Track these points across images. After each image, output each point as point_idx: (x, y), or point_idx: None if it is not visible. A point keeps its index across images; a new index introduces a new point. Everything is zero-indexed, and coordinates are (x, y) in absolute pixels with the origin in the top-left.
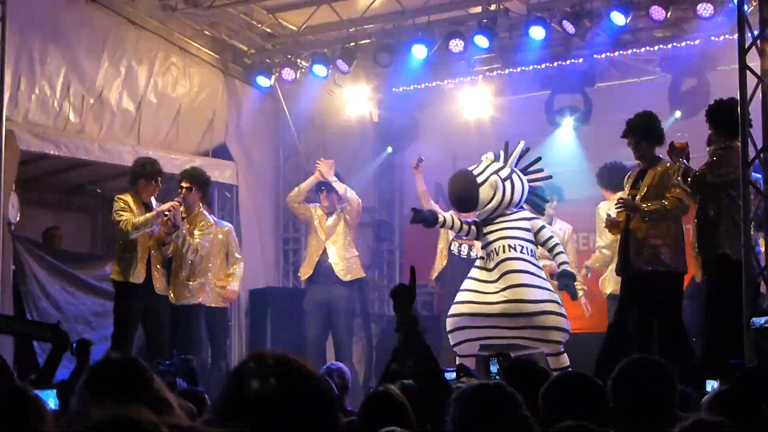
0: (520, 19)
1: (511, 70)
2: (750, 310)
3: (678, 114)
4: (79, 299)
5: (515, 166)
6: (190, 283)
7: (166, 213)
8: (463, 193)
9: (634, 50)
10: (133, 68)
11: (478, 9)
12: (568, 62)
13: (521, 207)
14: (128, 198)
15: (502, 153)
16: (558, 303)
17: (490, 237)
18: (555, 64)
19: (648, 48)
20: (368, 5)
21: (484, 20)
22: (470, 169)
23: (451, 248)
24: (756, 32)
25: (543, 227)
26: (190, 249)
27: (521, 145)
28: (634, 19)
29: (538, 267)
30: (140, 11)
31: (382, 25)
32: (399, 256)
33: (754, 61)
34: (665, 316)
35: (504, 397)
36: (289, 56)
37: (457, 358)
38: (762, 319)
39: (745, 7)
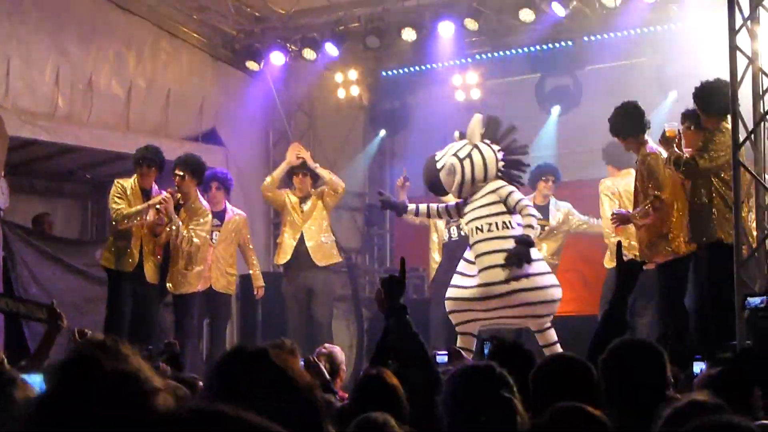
0: (510, 2)
1: (500, 52)
2: (742, 292)
3: (673, 96)
4: (69, 285)
5: (485, 139)
6: (188, 272)
7: (158, 206)
8: (428, 182)
9: (625, 32)
10: (122, 53)
11: None
12: (557, 45)
13: (497, 177)
14: (127, 183)
15: (477, 127)
16: (537, 275)
17: (465, 220)
18: (545, 46)
19: (638, 30)
20: None
21: (474, 3)
22: (436, 154)
23: (447, 236)
24: (746, 13)
25: (511, 192)
26: (184, 240)
27: (477, 118)
28: (624, 1)
29: (514, 237)
30: None
31: (371, 9)
32: (389, 240)
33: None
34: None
35: (493, 378)
36: (279, 40)
37: (459, 338)
38: (757, 299)
39: None
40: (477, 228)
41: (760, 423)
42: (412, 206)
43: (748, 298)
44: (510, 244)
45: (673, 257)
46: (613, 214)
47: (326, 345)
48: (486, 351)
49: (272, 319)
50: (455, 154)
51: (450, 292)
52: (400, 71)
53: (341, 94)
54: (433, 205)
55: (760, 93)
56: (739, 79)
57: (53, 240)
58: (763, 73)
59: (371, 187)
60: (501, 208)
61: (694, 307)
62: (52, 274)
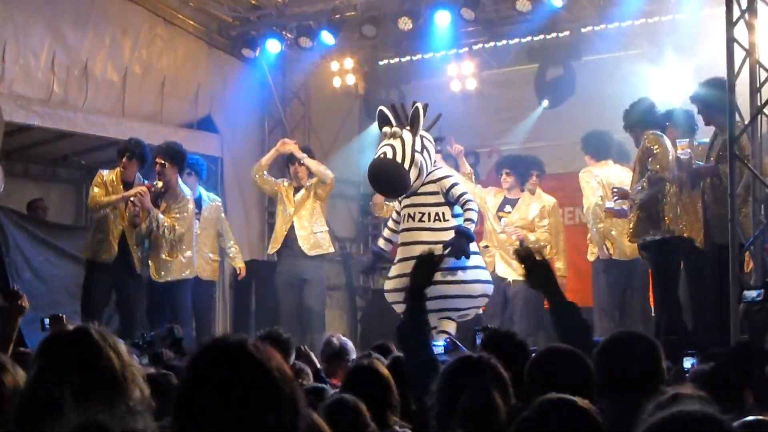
0: None
1: (497, 42)
2: (737, 286)
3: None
4: (63, 270)
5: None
6: (171, 260)
7: (132, 198)
8: (396, 186)
9: (621, 23)
10: (117, 39)
11: None
12: (554, 35)
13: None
14: (111, 174)
15: (391, 116)
16: (461, 269)
17: (402, 205)
18: (541, 37)
19: (635, 21)
20: None
21: None
22: (388, 156)
23: None
24: (744, 6)
25: (454, 185)
26: (167, 229)
27: (418, 106)
28: None
29: (446, 230)
30: None
31: None
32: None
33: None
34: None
35: (476, 368)
36: (274, 28)
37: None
38: (754, 293)
39: None
40: (409, 215)
41: (749, 419)
42: (384, 244)
43: (745, 292)
44: (438, 237)
45: (661, 236)
46: (613, 188)
47: (338, 336)
48: (478, 341)
49: (265, 308)
50: (414, 149)
51: (385, 284)
52: (396, 60)
53: (337, 82)
54: (388, 231)
55: (757, 86)
56: (736, 71)
57: (47, 225)
58: (761, 65)
59: (366, 177)
60: (439, 199)
61: (699, 303)
62: (45, 258)
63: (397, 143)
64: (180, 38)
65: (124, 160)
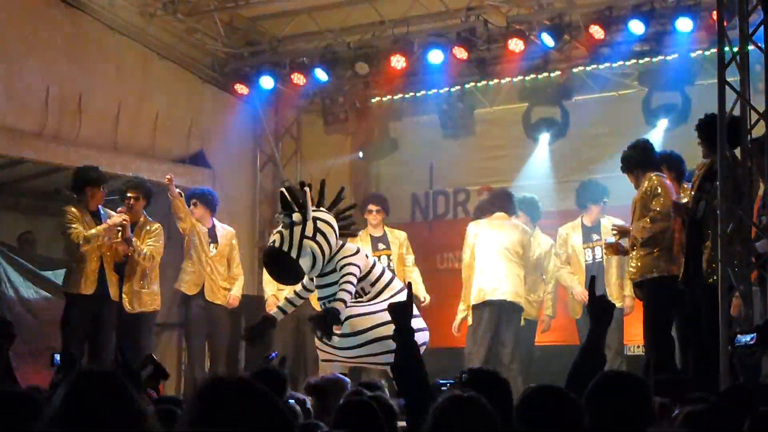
0: (499, 31)
1: (489, 81)
2: (727, 327)
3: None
4: (53, 303)
5: (317, 207)
6: (144, 290)
7: (119, 227)
8: (285, 275)
9: (613, 64)
10: (111, 74)
11: (458, 20)
12: (545, 75)
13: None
14: (74, 209)
15: (289, 198)
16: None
17: (317, 296)
18: (533, 76)
19: (626, 62)
20: (347, 15)
21: (463, 31)
22: (276, 245)
23: None
24: (735, 48)
25: (344, 266)
26: (144, 257)
27: (305, 190)
28: (612, 32)
29: (363, 304)
30: (120, 16)
31: (361, 35)
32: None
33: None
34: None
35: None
36: (268, 64)
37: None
38: (747, 337)
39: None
40: (322, 306)
41: None
42: (276, 312)
43: (738, 336)
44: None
45: (658, 275)
46: (614, 226)
47: (335, 373)
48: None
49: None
50: (304, 237)
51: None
52: (389, 98)
53: (329, 119)
54: (292, 295)
55: (748, 127)
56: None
57: (38, 258)
58: (751, 107)
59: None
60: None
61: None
62: (36, 292)
63: (285, 232)
64: (173, 73)
65: (100, 189)
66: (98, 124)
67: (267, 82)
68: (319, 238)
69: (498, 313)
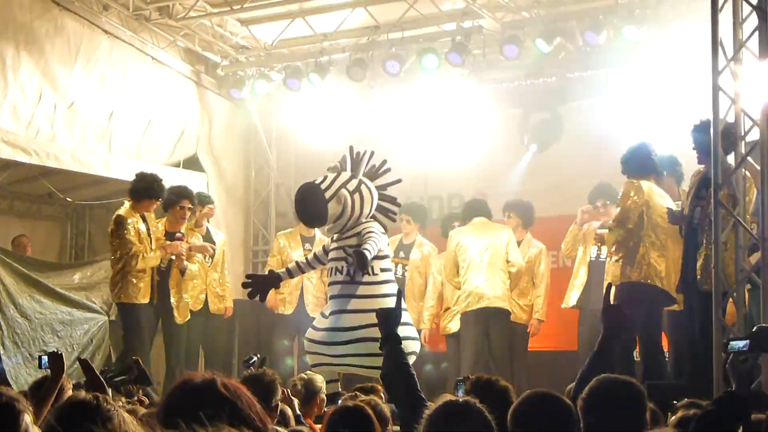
0: (494, 37)
1: (483, 86)
2: (720, 333)
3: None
4: (46, 308)
5: (363, 174)
6: (189, 300)
7: (182, 255)
8: (310, 210)
9: (607, 69)
10: (105, 77)
11: (452, 26)
12: (540, 80)
13: (372, 217)
14: (160, 224)
15: (348, 159)
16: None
17: (329, 258)
18: (527, 81)
19: (620, 67)
20: (342, 20)
21: (458, 37)
22: (317, 182)
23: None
24: (730, 54)
25: (369, 232)
26: (187, 270)
27: (368, 152)
28: (607, 38)
29: (374, 284)
30: (114, 21)
31: (355, 40)
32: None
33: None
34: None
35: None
36: (262, 69)
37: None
38: (741, 343)
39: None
40: (336, 269)
41: None
42: (282, 271)
43: (731, 342)
44: (365, 290)
45: (636, 281)
46: (596, 235)
47: (307, 372)
48: (460, 391)
49: (249, 348)
50: (345, 186)
51: (308, 332)
52: (383, 103)
53: (324, 123)
54: (302, 260)
55: (742, 134)
56: (721, 119)
57: (31, 262)
58: (745, 114)
59: None
60: None
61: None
62: (29, 296)
63: (330, 175)
64: (168, 77)
65: (185, 207)
66: (92, 128)
67: (262, 86)
68: (355, 196)
69: (485, 319)
